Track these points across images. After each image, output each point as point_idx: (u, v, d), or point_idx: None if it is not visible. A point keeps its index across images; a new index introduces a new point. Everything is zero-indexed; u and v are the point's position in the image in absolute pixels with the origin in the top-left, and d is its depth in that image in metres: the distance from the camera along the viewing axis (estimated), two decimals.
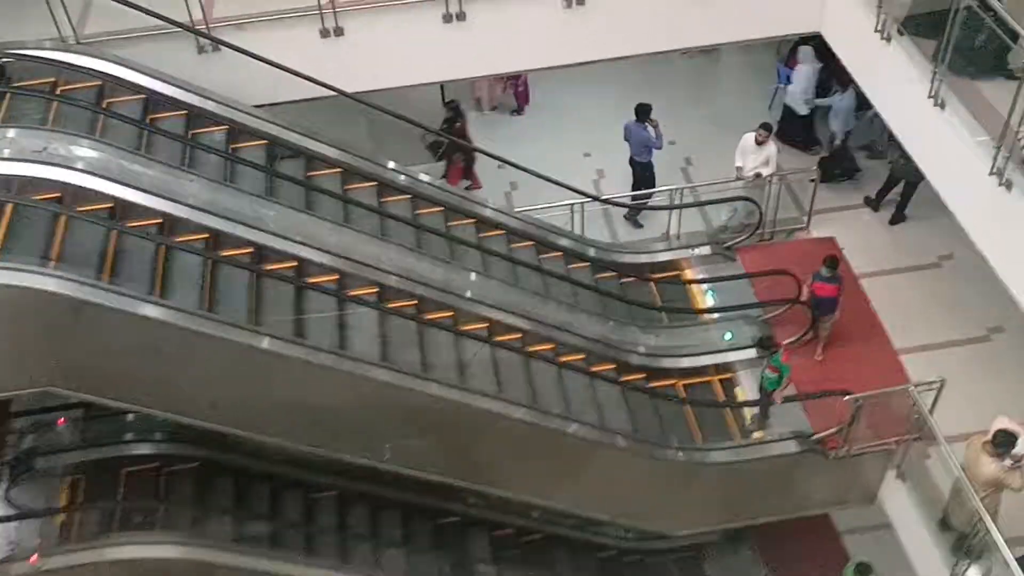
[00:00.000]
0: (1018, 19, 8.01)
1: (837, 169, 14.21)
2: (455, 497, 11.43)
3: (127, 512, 9.58)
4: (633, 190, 14.21)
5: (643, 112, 13.40)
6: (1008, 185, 8.12)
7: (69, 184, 7.93)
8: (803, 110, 14.76)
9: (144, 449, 10.16)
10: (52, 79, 9.11)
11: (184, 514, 9.72)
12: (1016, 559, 8.64)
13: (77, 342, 7.35)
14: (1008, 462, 8.85)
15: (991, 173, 8.24)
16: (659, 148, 13.78)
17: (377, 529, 10.88)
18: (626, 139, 13.85)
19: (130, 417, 10.23)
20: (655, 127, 13.45)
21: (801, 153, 15.01)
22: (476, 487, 10.03)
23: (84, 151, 8.25)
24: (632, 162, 14.04)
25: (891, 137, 12.16)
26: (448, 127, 14.24)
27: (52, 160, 7.96)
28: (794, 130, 15.05)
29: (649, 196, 13.95)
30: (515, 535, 12.05)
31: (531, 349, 10.04)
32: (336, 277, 9.07)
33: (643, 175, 14.00)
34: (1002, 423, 9.04)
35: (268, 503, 10.38)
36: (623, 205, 13.50)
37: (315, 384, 8.15)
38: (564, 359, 10.31)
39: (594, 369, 10.48)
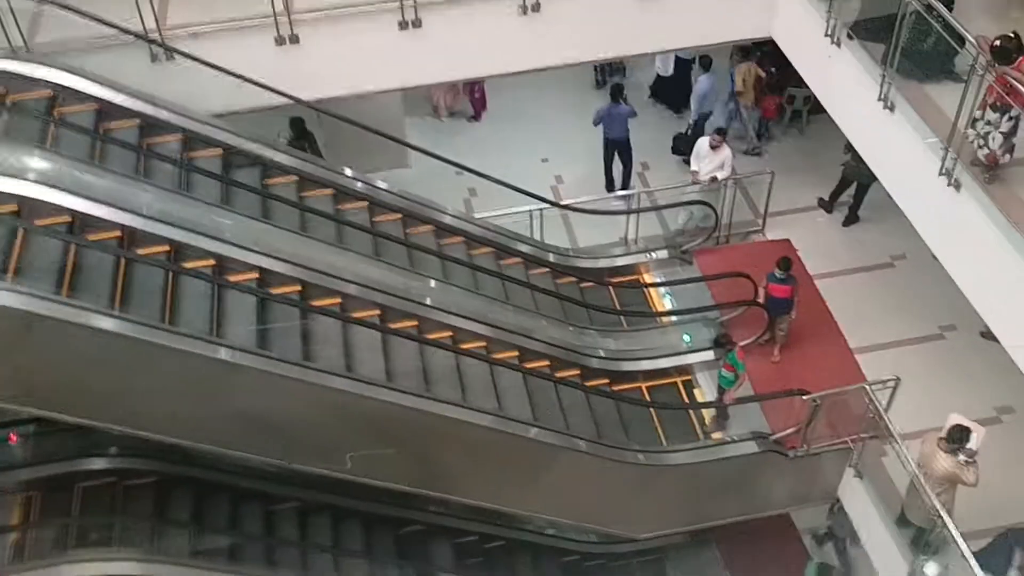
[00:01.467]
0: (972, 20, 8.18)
1: (684, 147, 14.83)
2: (417, 506, 11.38)
3: (83, 528, 9.40)
4: (609, 166, 14.96)
5: (619, 91, 14.26)
6: (957, 186, 8.27)
7: (22, 196, 7.78)
8: (664, 72, 16.15)
9: (99, 464, 9.97)
10: (2, 90, 8.95)
11: (142, 529, 9.55)
12: (973, 553, 8.80)
13: (28, 356, 7.19)
14: (962, 458, 9.00)
15: (940, 174, 8.39)
16: (635, 116, 14.65)
17: (338, 540, 10.78)
18: (597, 123, 14.49)
19: (84, 431, 10.05)
20: (625, 101, 14.48)
21: (673, 115, 16.28)
22: (438, 495, 9.97)
23: (35, 162, 8.10)
24: (610, 143, 14.70)
25: (847, 146, 12.41)
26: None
27: (3, 171, 7.81)
28: (665, 92, 16.42)
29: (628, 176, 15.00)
30: (478, 542, 12.02)
31: (492, 355, 10.03)
32: (299, 288, 8.99)
33: (626, 149, 14.76)
34: (956, 419, 9.20)
35: (227, 516, 10.24)
36: (581, 211, 13.54)
37: (273, 394, 8.06)
38: (524, 364, 10.31)
39: (554, 373, 10.50)
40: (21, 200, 7.77)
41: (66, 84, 9.12)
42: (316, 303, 8.96)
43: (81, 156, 8.64)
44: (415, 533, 11.49)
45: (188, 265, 8.35)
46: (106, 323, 7.19)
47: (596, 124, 14.52)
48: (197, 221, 8.68)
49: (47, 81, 9.05)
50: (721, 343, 10.39)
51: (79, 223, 8.02)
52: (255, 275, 8.77)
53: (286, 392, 8.02)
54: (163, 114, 9.52)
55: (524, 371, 10.18)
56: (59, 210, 7.91)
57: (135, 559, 9.04)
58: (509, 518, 12.06)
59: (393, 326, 9.37)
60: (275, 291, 8.78)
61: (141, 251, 8.21)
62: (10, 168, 7.94)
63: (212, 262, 8.57)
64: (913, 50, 8.92)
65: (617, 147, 14.74)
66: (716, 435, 10.75)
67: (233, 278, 8.60)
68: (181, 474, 10.16)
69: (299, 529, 10.60)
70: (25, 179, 7.86)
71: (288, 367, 7.97)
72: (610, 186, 15.03)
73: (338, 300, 9.18)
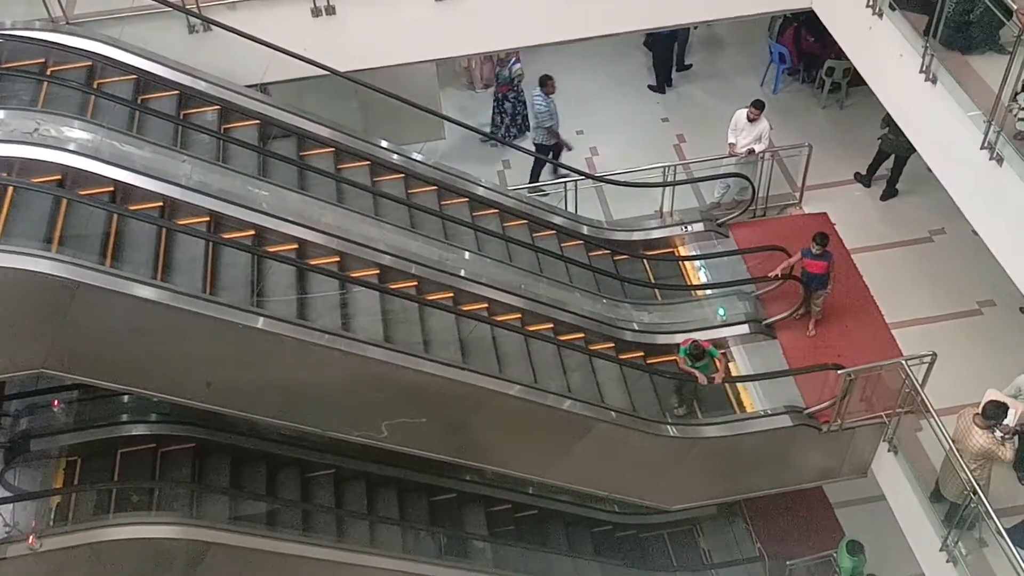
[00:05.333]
0: None
1: None
2: (451, 474, 11.50)
3: (123, 493, 9.60)
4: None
5: None
6: (999, 159, 8.14)
7: (61, 166, 7.89)
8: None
9: (140, 430, 10.15)
10: (42, 60, 9.06)
11: (180, 494, 9.73)
12: (1006, 529, 8.75)
13: (71, 324, 7.32)
14: (998, 434, 8.92)
15: (982, 147, 8.26)
16: None
17: (373, 507, 10.94)
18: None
19: (125, 398, 10.24)
20: None
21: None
22: (472, 464, 10.07)
23: (76, 132, 8.21)
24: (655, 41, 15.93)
25: (885, 119, 12.26)
26: None
27: (44, 142, 7.93)
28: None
29: None
30: (510, 511, 12.14)
31: (526, 327, 10.07)
32: (335, 258, 9.07)
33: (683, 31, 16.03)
34: (993, 395, 9.11)
35: (265, 482, 10.41)
36: (616, 183, 13.51)
37: (310, 363, 8.16)
38: (558, 336, 10.34)
39: (589, 346, 10.52)
40: (64, 170, 7.90)
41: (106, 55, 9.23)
42: (350, 273, 9.04)
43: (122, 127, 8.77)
44: (449, 501, 11.62)
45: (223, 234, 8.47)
46: (147, 292, 7.32)
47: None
48: (237, 193, 8.79)
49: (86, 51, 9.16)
50: (695, 354, 10.13)
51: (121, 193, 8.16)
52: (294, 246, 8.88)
53: (325, 362, 8.12)
54: (201, 85, 9.60)
55: (558, 343, 10.22)
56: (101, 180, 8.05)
57: (174, 523, 9.24)
58: (542, 488, 12.16)
59: (429, 297, 9.43)
60: (313, 262, 8.87)
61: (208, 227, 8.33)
62: (54, 138, 8.06)
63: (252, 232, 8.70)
64: (957, 21, 8.77)
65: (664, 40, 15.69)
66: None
67: (272, 249, 8.69)
68: (220, 441, 10.33)
69: (335, 496, 10.76)
70: (67, 150, 7.99)
71: (327, 337, 8.07)
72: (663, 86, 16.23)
73: (372, 270, 9.25)
